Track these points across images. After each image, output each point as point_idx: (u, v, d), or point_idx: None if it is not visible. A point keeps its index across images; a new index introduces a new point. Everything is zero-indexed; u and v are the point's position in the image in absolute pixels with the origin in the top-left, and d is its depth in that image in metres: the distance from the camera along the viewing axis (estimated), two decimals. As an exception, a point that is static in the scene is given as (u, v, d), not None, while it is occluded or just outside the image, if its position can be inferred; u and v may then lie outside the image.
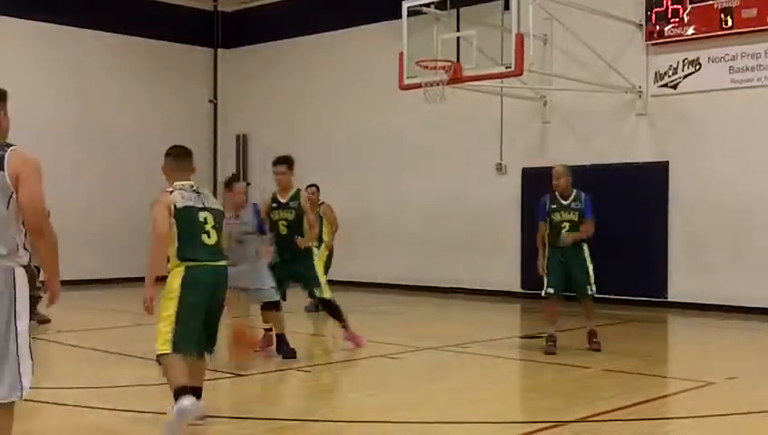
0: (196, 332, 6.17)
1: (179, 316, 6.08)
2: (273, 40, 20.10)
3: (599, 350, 9.70)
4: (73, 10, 18.51)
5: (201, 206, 6.29)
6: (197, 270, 6.18)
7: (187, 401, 5.87)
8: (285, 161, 9.73)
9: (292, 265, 9.59)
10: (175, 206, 6.17)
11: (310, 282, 9.82)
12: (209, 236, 6.28)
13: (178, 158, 6.50)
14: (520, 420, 6.94)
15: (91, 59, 18.84)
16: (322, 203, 13.71)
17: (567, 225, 9.78)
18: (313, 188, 13.47)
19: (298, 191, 9.77)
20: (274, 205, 9.64)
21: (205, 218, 6.26)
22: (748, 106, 13.63)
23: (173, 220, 6.15)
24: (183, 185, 6.35)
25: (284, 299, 9.65)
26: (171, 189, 6.29)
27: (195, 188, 6.38)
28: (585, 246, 9.84)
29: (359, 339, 9.97)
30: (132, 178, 17.83)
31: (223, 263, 6.39)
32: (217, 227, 6.35)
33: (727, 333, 12.22)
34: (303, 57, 19.40)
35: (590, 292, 9.80)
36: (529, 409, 7.29)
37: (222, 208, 6.58)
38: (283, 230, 9.58)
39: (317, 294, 9.86)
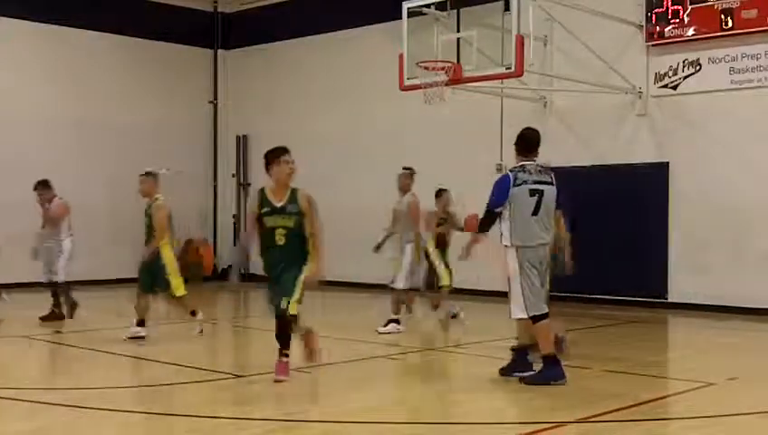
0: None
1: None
2: (273, 41, 20.11)
3: None
4: (74, 11, 18.53)
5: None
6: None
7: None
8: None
9: None
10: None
11: None
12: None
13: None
14: (520, 420, 6.93)
15: (92, 60, 18.86)
16: None
17: None
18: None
19: None
20: None
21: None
22: (748, 107, 13.64)
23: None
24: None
25: None
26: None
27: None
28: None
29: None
30: (133, 179, 17.78)
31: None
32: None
33: (727, 333, 12.22)
34: (303, 58, 19.40)
35: None
36: (529, 409, 7.28)
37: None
38: None
39: None
